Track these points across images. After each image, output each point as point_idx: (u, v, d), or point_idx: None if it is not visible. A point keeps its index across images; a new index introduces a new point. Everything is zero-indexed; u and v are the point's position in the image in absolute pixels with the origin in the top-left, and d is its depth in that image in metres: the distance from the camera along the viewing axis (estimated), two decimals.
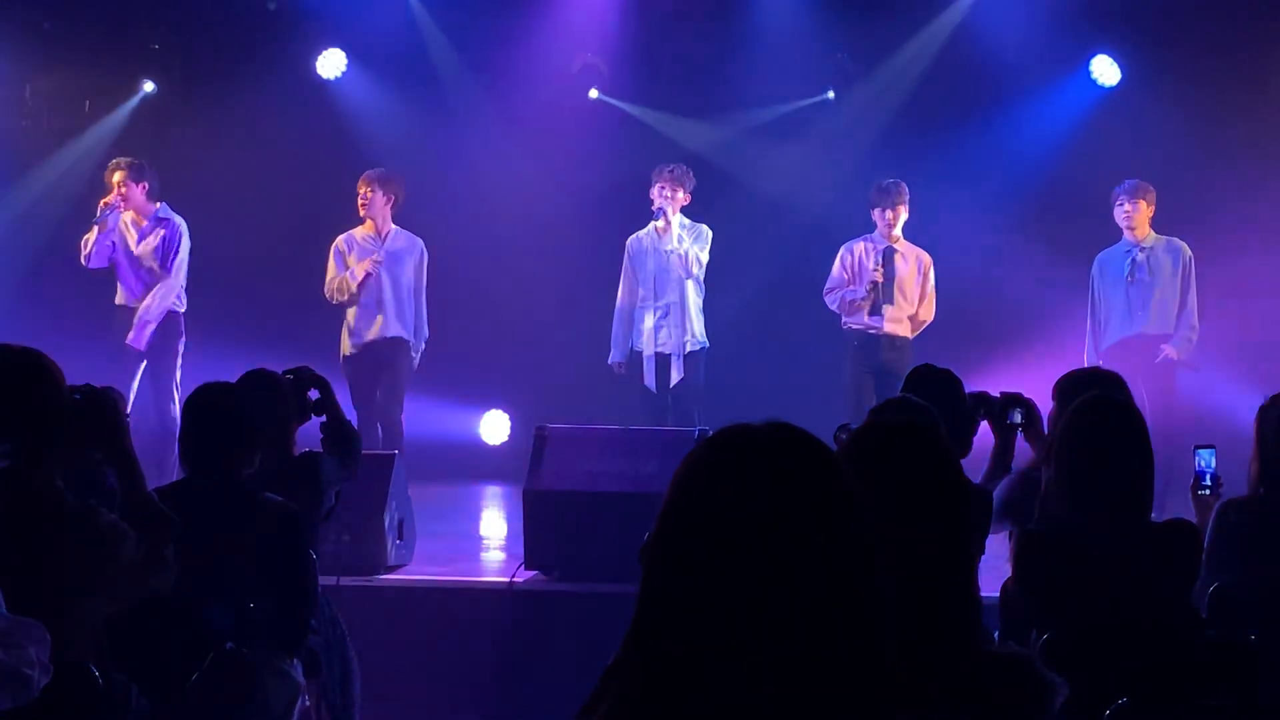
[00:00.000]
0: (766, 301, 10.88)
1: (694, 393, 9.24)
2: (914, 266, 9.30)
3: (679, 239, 9.15)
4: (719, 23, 11.24)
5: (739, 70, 11.11)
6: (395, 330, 9.36)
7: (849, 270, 9.34)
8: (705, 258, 9.23)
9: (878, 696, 1.66)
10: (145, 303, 9.25)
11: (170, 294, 9.29)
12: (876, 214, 9.31)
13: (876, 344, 9.24)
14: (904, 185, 9.29)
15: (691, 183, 9.26)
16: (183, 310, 9.41)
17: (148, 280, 9.31)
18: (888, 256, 9.27)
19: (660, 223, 9.19)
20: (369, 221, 9.42)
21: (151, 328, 9.22)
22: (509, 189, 11.28)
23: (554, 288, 11.17)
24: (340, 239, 9.46)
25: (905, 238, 9.38)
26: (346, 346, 9.36)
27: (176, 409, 9.07)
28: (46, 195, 11.16)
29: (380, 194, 9.35)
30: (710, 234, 9.28)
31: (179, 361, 9.31)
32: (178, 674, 4.32)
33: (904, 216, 9.28)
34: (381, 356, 9.34)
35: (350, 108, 11.45)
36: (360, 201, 9.37)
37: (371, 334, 9.33)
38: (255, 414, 4.78)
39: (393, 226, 9.47)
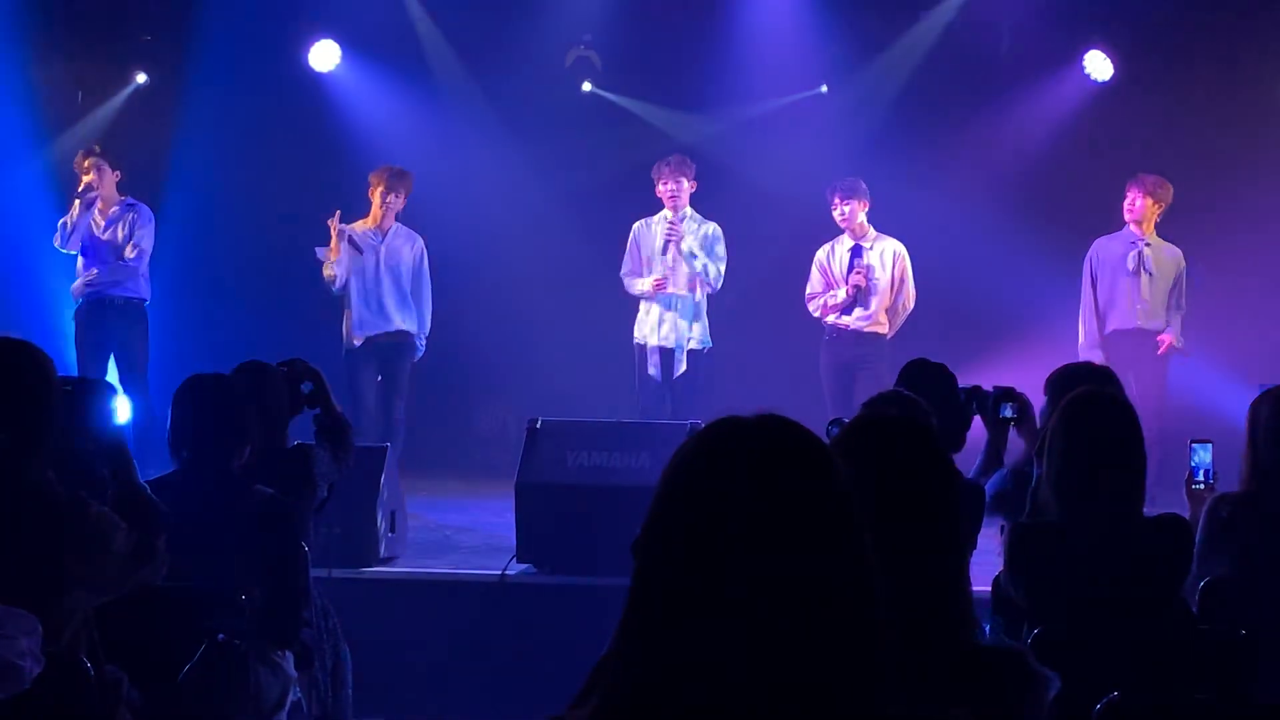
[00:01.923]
0: (760, 295, 10.87)
1: (695, 390, 9.23)
2: (880, 259, 9.30)
3: (690, 254, 9.15)
4: (712, 15, 11.23)
5: (732, 63, 11.11)
6: (399, 324, 9.36)
7: (825, 275, 9.37)
8: (724, 264, 9.26)
9: (870, 691, 1.66)
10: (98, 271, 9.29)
11: (131, 271, 9.31)
12: (835, 210, 9.31)
13: (848, 339, 9.26)
14: (859, 182, 9.26)
15: (692, 168, 9.26)
16: (148, 300, 9.42)
17: (113, 265, 9.30)
18: (855, 255, 9.28)
19: (673, 217, 9.21)
20: (372, 215, 9.40)
21: (91, 291, 9.27)
22: (502, 181, 11.28)
23: (547, 280, 11.16)
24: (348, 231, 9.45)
25: (879, 229, 9.38)
26: (350, 340, 9.36)
27: (149, 399, 9.10)
28: (38, 187, 11.13)
29: (403, 197, 9.34)
30: (720, 232, 9.29)
31: (148, 351, 9.33)
32: (169, 665, 4.32)
33: (860, 213, 9.26)
34: (385, 351, 9.34)
35: (343, 100, 11.43)
36: (384, 204, 9.30)
37: (375, 328, 9.32)
38: (246, 405, 4.77)
39: (394, 222, 9.46)
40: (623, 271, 9.36)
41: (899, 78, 11.19)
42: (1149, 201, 9.10)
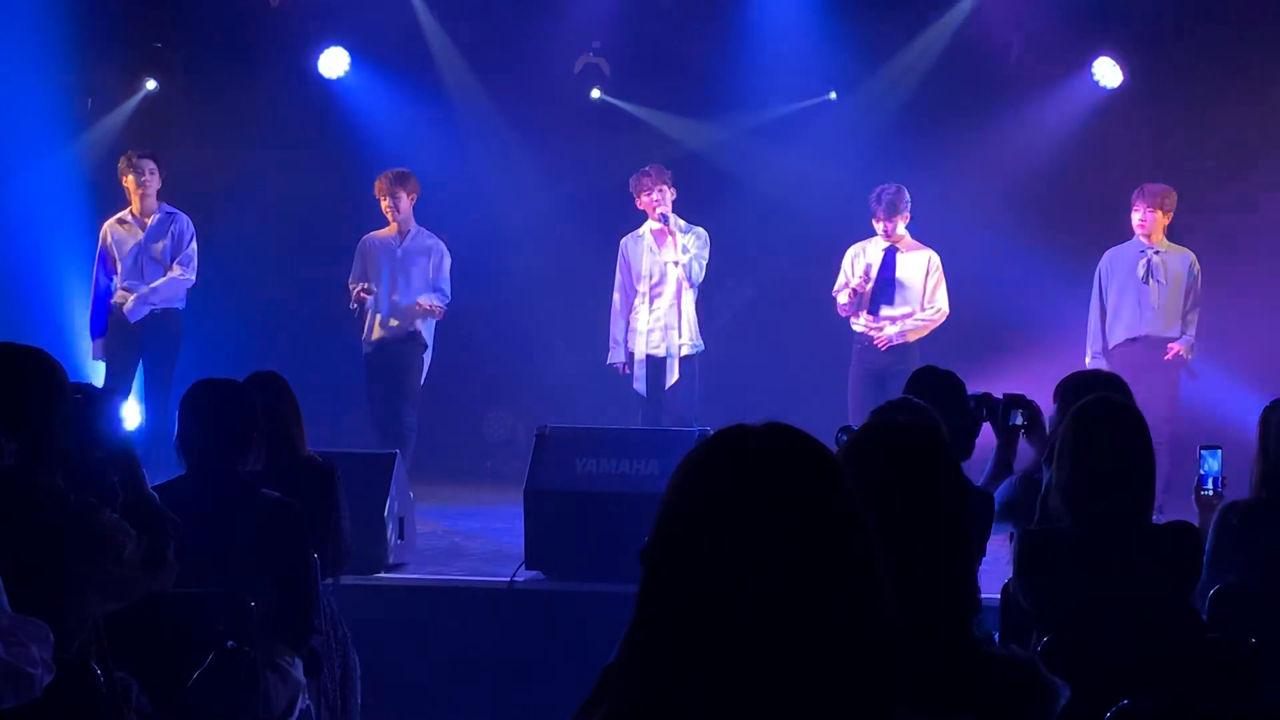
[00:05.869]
0: (767, 302, 10.87)
1: (689, 396, 9.21)
2: (917, 267, 9.25)
3: (683, 249, 9.12)
4: (721, 22, 11.24)
5: (741, 70, 11.12)
6: (410, 327, 9.37)
7: (851, 274, 9.33)
8: (705, 262, 9.21)
9: (877, 698, 1.66)
10: (155, 284, 9.21)
11: (182, 286, 9.30)
12: (876, 224, 9.25)
13: (880, 348, 9.22)
14: (904, 194, 9.18)
15: (670, 175, 9.22)
16: (182, 308, 9.41)
17: (154, 277, 9.28)
18: (889, 257, 9.24)
19: (658, 226, 9.17)
20: (393, 222, 9.42)
21: (149, 309, 9.19)
22: (511, 188, 11.29)
23: (555, 287, 11.17)
24: (364, 240, 9.45)
25: (912, 236, 9.34)
26: (365, 341, 9.39)
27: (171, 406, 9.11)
28: (50, 193, 11.14)
29: (405, 197, 9.34)
30: (708, 237, 9.26)
31: (176, 360, 9.32)
32: (179, 672, 4.32)
33: (903, 225, 9.23)
34: (394, 355, 9.36)
35: (352, 106, 11.45)
36: (387, 208, 9.33)
37: (386, 332, 9.34)
38: (254, 410, 4.78)
39: (414, 225, 9.46)
40: (616, 295, 9.34)
41: (908, 85, 11.19)
42: (1158, 214, 9.09)
